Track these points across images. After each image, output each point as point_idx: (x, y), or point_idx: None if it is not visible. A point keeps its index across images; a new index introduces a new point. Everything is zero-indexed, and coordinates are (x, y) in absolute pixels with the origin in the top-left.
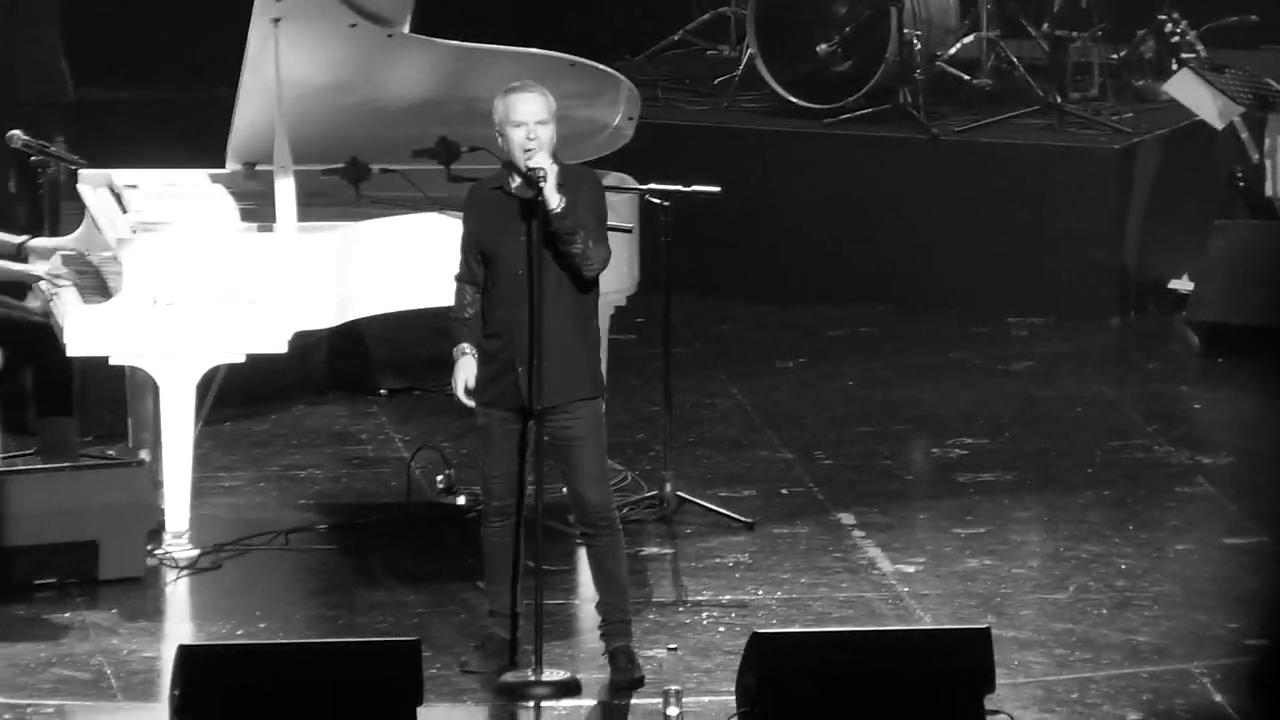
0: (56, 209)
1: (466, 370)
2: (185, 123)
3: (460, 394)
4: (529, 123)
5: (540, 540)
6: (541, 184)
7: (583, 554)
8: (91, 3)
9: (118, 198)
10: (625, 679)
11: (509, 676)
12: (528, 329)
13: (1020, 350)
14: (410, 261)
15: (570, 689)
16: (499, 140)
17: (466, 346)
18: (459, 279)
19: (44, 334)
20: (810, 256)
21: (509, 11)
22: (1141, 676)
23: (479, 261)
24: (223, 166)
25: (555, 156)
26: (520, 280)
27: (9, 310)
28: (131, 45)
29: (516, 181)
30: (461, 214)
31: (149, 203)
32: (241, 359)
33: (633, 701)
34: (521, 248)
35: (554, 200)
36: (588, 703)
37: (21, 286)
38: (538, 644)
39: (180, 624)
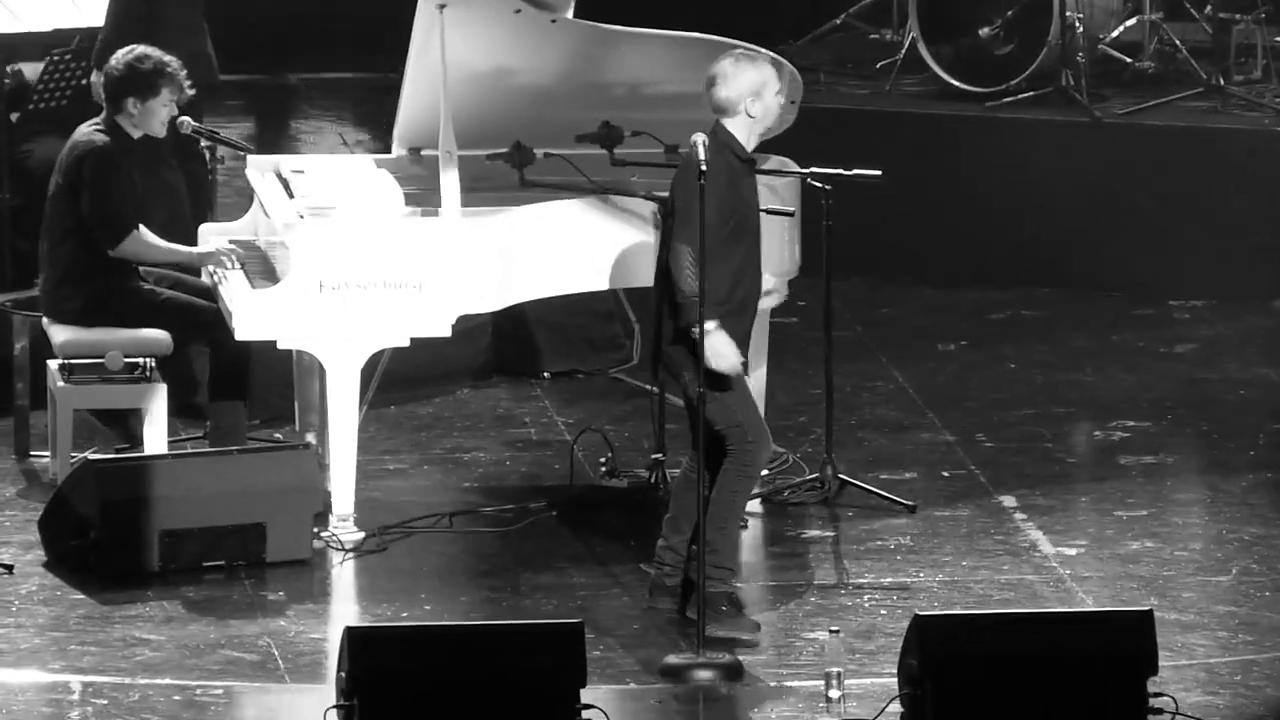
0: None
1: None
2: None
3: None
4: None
5: (702, 516)
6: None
7: (744, 536)
8: None
9: (285, 183)
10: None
11: (672, 658)
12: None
13: (1183, 333)
14: (574, 245)
15: (733, 671)
16: (751, 104)
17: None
18: (694, 257)
19: (216, 319)
20: (972, 240)
21: None
22: None
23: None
24: (389, 152)
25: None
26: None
27: (180, 295)
28: (302, 28)
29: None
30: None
31: (316, 188)
32: (406, 343)
33: (795, 684)
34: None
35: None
36: (750, 685)
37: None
38: (700, 625)
39: (346, 606)
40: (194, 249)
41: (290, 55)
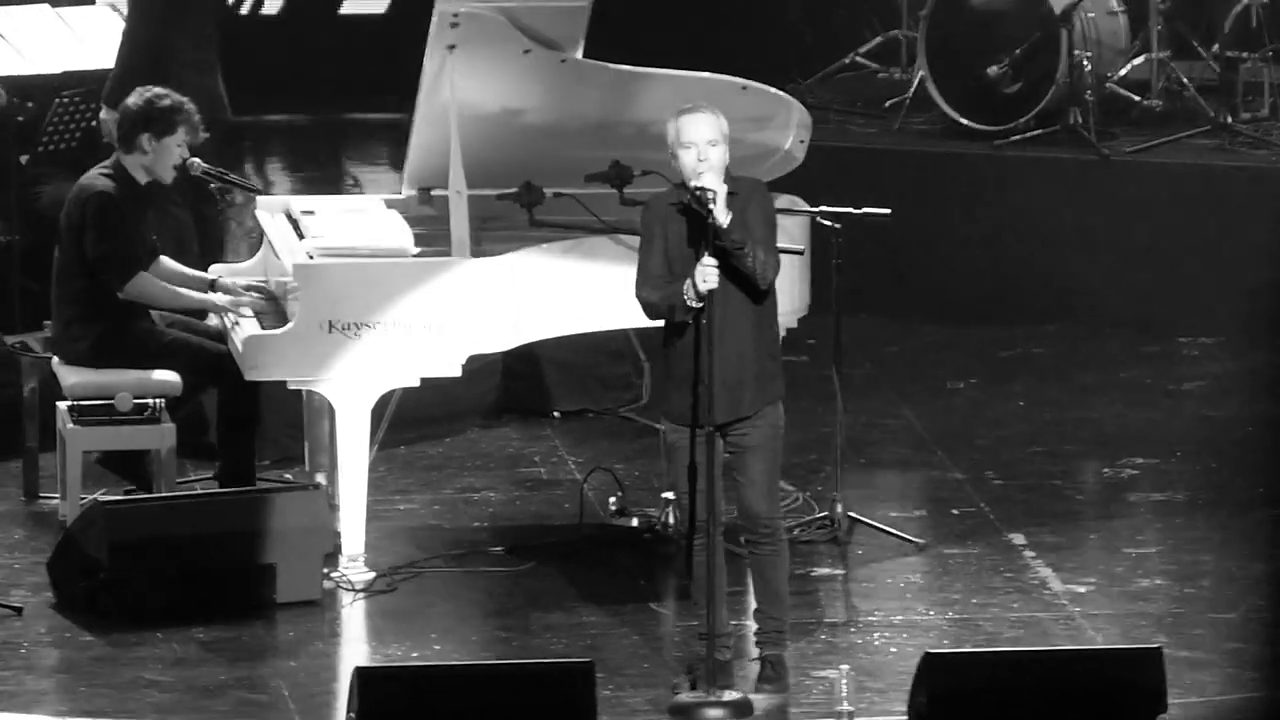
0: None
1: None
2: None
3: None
4: (699, 144)
5: (712, 560)
6: (711, 205)
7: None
8: (255, 27)
9: (295, 224)
10: (768, 685)
11: (682, 697)
12: (706, 347)
13: (1191, 370)
14: (584, 285)
15: (743, 709)
16: (672, 162)
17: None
18: (640, 294)
19: (226, 360)
20: (981, 277)
21: (682, 36)
22: None
23: (668, 269)
24: (399, 192)
25: (727, 172)
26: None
27: (190, 337)
28: (303, 69)
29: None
30: (640, 234)
31: (326, 228)
32: (416, 383)
33: None
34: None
35: (722, 216)
36: None
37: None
38: (709, 664)
39: (356, 646)
40: (202, 296)
41: (300, 95)
